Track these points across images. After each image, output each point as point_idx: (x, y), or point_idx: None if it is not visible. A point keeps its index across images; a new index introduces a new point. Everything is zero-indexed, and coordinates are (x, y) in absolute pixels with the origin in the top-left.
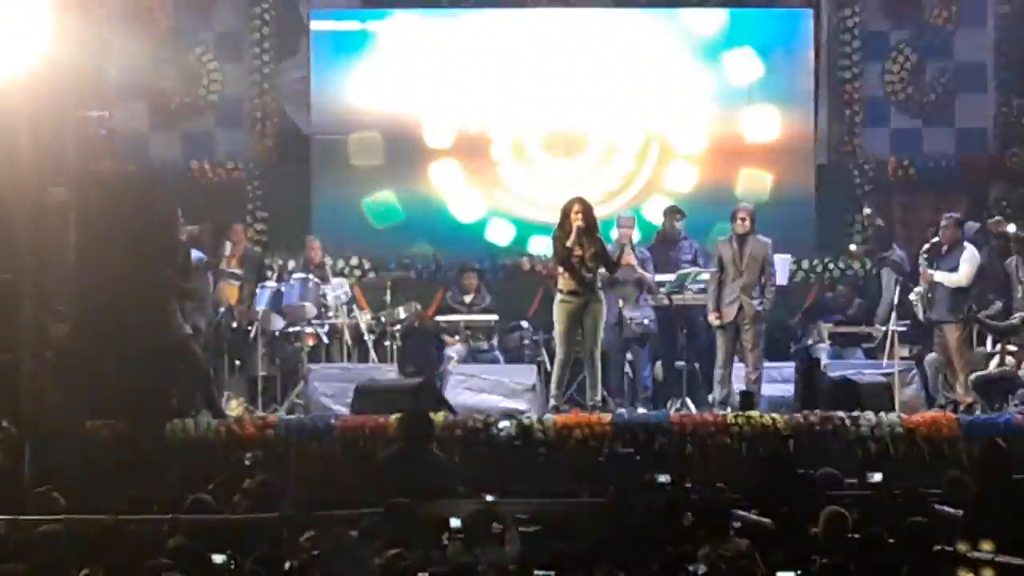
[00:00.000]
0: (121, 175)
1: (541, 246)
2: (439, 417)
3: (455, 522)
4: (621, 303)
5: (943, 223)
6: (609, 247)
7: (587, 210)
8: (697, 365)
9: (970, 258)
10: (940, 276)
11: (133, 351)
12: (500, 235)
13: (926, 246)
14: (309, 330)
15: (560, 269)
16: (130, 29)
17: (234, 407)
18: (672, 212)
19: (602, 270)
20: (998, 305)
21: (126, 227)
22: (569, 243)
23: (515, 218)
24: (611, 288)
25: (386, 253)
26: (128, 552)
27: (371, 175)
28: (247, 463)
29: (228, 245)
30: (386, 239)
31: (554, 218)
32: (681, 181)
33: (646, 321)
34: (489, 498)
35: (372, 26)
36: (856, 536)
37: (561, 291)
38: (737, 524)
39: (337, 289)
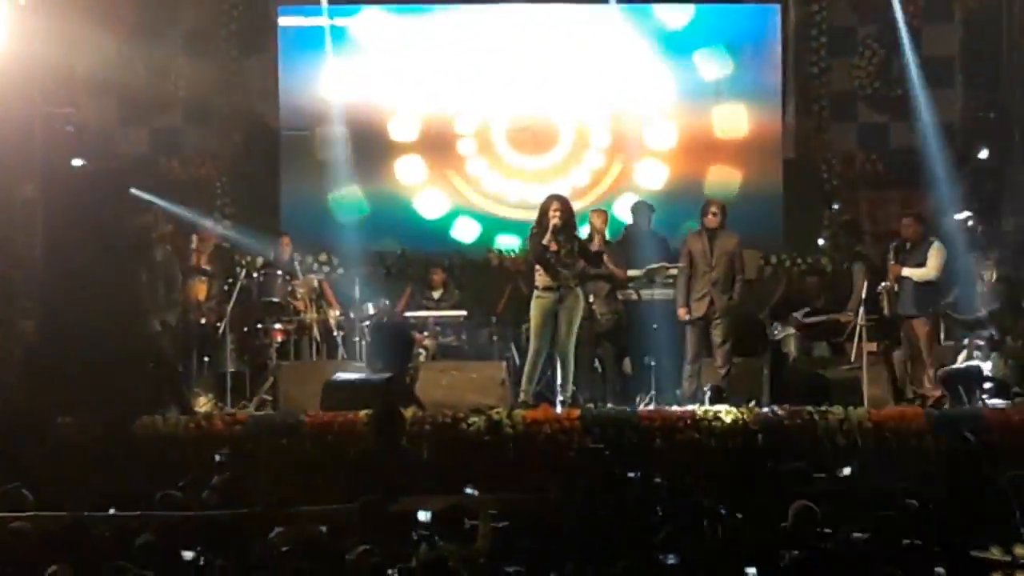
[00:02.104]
0: (89, 171)
1: (508, 242)
2: (409, 413)
3: (423, 515)
4: (592, 298)
5: (904, 221)
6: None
7: (565, 208)
8: (666, 360)
9: (937, 251)
10: (908, 271)
11: (101, 348)
12: (465, 233)
13: (894, 241)
14: (278, 326)
15: (536, 266)
16: (98, 25)
17: (203, 403)
18: (641, 207)
19: (581, 264)
20: (956, 292)
21: (93, 224)
22: (545, 240)
23: (481, 215)
24: (583, 283)
25: (355, 249)
26: (96, 549)
27: (338, 170)
28: (217, 460)
29: (195, 241)
30: (354, 235)
31: (521, 215)
32: (652, 178)
33: (617, 316)
34: (468, 491)
35: (340, 22)
36: (825, 530)
37: (537, 287)
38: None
39: (306, 285)
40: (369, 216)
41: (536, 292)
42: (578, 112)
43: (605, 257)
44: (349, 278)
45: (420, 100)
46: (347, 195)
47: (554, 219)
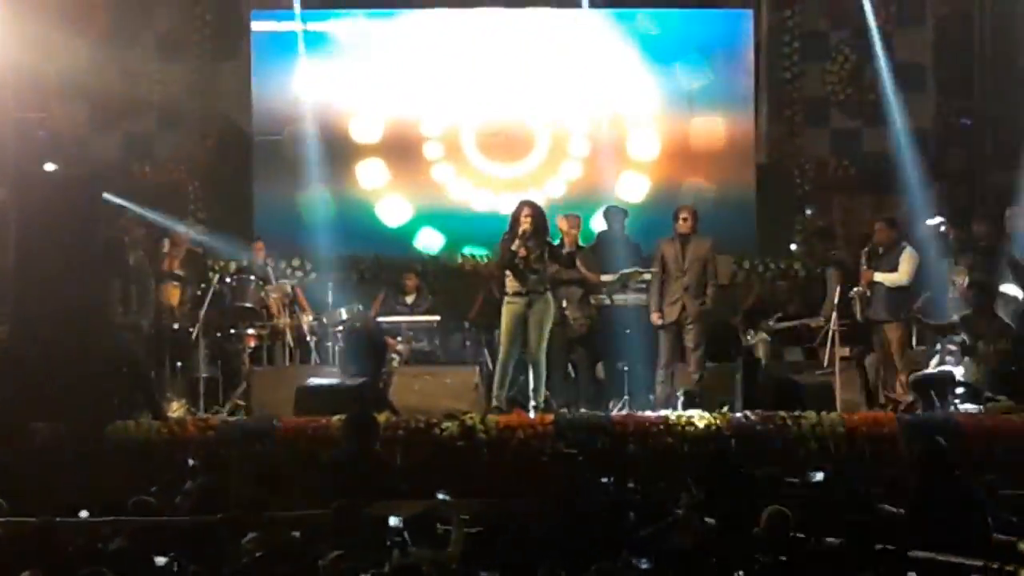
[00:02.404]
0: (61, 176)
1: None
2: (382, 418)
3: (394, 520)
4: (565, 303)
5: (877, 226)
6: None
7: (536, 213)
8: (639, 365)
9: (909, 257)
10: (880, 276)
11: (74, 353)
12: (430, 244)
13: (866, 247)
14: (251, 331)
15: (506, 271)
16: (71, 30)
17: (176, 409)
18: (613, 212)
19: (553, 269)
20: (927, 297)
21: (65, 228)
22: (514, 246)
23: (445, 225)
24: (555, 288)
25: (327, 254)
26: (68, 554)
27: (310, 173)
28: (191, 464)
29: (168, 246)
30: (327, 239)
31: (489, 226)
32: (632, 190)
33: (589, 321)
34: (441, 496)
35: (313, 27)
36: (798, 535)
37: (507, 293)
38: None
39: (279, 290)
40: (336, 220)
41: (507, 298)
42: (555, 119)
43: (578, 261)
44: (322, 283)
45: (387, 103)
46: (317, 198)
47: (524, 224)
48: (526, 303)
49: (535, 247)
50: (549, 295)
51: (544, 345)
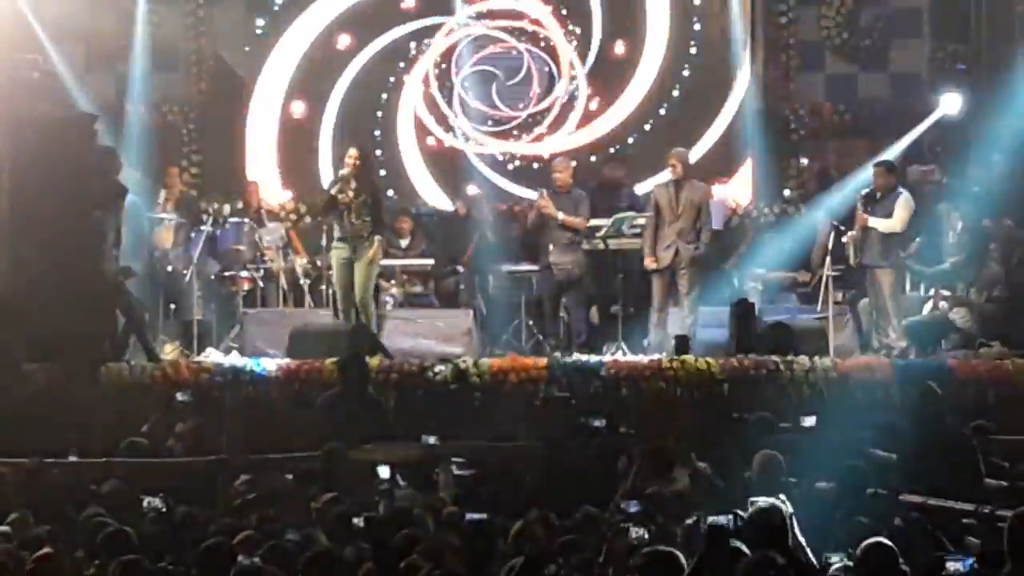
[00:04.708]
0: (55, 118)
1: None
2: (375, 361)
3: (384, 472)
4: (551, 247)
5: (875, 170)
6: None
7: (361, 157)
8: (632, 309)
9: (904, 203)
10: (875, 221)
11: (67, 295)
12: None
13: (863, 191)
14: (245, 274)
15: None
16: None
17: (169, 351)
18: (613, 158)
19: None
20: (918, 241)
21: (60, 170)
22: (334, 190)
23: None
24: (541, 233)
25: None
26: (59, 495)
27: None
28: (179, 400)
29: (161, 189)
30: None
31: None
32: None
33: (570, 266)
34: (431, 440)
35: None
36: (790, 479)
37: (334, 237)
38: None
39: (273, 233)
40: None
41: (333, 243)
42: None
43: (552, 210)
44: (316, 226)
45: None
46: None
47: (345, 168)
48: (351, 248)
49: (358, 192)
50: (375, 239)
51: (369, 291)
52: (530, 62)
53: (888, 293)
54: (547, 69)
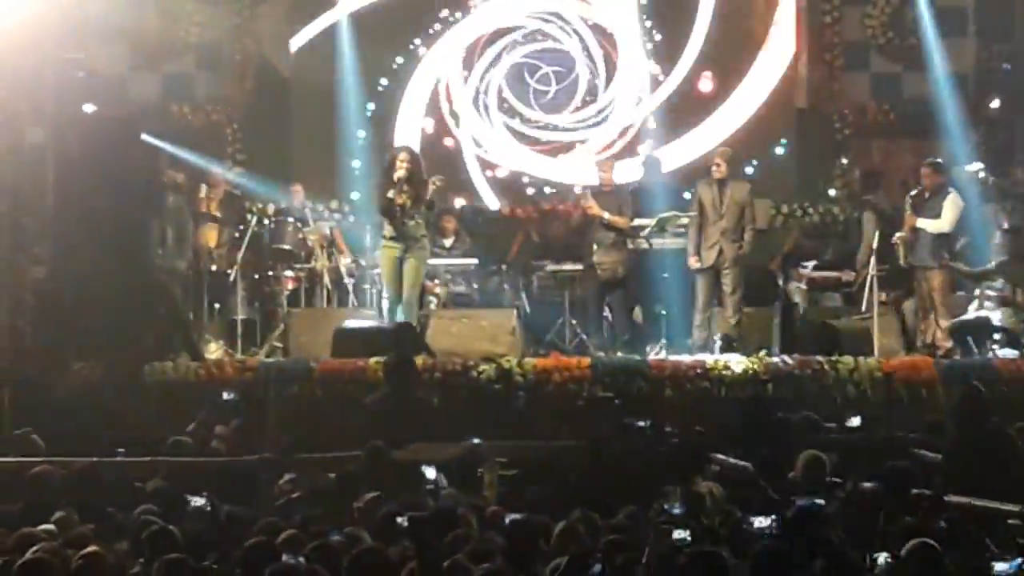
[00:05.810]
0: (99, 117)
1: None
2: (419, 361)
3: (431, 474)
4: (595, 247)
5: (924, 170)
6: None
7: (412, 160)
8: (676, 309)
9: (953, 203)
10: (923, 222)
11: (111, 294)
12: None
13: (913, 191)
14: (289, 273)
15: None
16: None
17: (213, 350)
18: (652, 160)
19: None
20: (964, 243)
21: (104, 169)
22: (390, 194)
23: None
24: (585, 232)
25: (366, 196)
26: (105, 494)
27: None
28: (225, 398)
29: (205, 188)
30: (365, 183)
31: None
32: None
33: (615, 265)
34: (475, 440)
35: None
36: (834, 480)
37: (384, 236)
38: (716, 468)
39: (317, 233)
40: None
41: (383, 242)
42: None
43: (597, 210)
44: (360, 225)
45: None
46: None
47: (400, 171)
48: (402, 248)
49: (411, 193)
50: (426, 242)
51: (416, 292)
52: (580, 69)
53: (938, 293)
54: (593, 79)
